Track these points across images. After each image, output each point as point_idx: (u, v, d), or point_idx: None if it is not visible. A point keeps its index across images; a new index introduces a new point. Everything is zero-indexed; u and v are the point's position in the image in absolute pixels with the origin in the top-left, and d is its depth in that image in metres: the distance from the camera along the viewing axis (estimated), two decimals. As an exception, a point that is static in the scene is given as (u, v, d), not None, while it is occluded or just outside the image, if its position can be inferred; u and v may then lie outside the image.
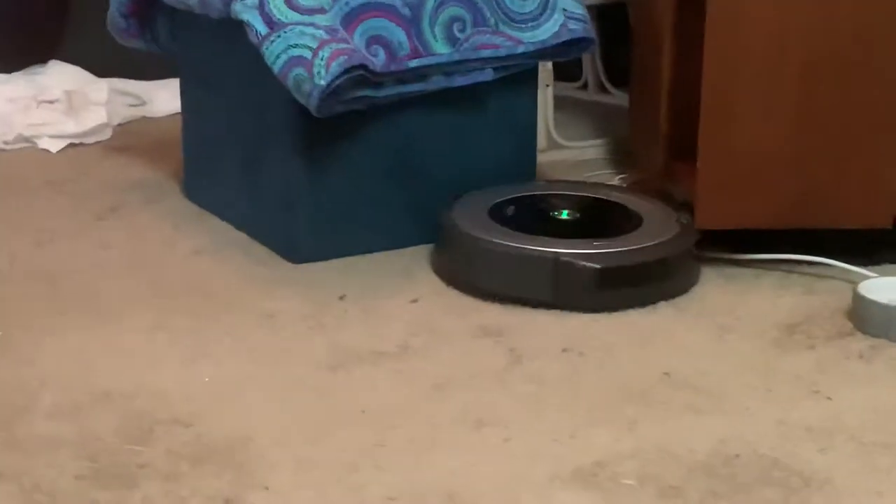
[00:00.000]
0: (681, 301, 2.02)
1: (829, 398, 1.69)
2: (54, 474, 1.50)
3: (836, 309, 1.97)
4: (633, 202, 2.20)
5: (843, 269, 2.08)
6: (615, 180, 2.55)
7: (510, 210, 2.15)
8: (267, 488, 1.47)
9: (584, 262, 1.98)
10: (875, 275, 2.02)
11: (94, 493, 1.45)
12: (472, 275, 2.03)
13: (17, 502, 1.43)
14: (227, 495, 1.45)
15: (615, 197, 2.25)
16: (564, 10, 2.26)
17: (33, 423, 1.63)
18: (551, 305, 1.98)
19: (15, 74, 3.16)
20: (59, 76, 3.15)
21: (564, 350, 1.84)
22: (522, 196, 2.22)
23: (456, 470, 1.51)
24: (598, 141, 2.79)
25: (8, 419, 1.63)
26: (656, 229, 2.08)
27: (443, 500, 1.44)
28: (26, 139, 2.86)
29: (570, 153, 2.72)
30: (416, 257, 2.19)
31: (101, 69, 3.17)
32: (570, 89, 3.12)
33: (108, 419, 1.64)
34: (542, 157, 2.52)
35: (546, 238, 2.05)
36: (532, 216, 2.15)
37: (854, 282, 1.99)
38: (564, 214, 2.18)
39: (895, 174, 2.07)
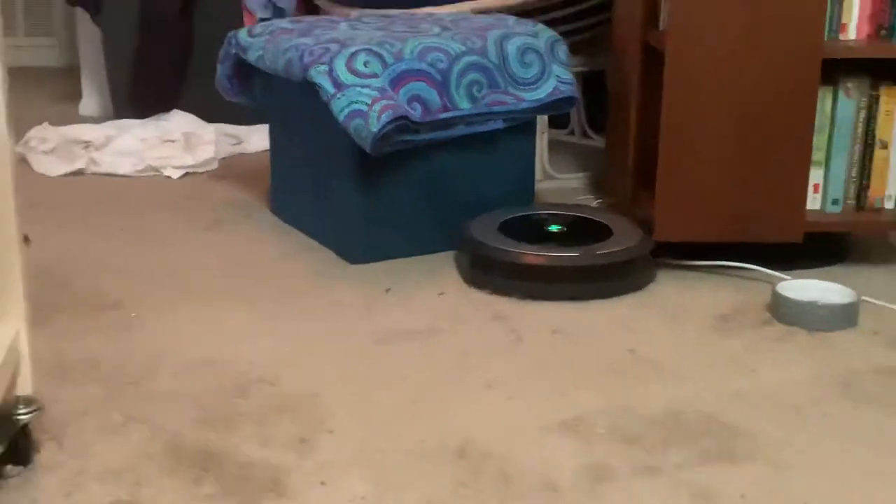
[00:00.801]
0: (642, 295, 2.03)
1: (753, 370, 1.71)
2: (174, 419, 1.52)
3: (759, 303, 1.97)
4: (606, 219, 2.20)
5: (766, 273, 2.09)
6: (594, 203, 2.56)
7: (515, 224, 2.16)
8: (331, 432, 1.49)
9: (568, 263, 2.02)
10: (789, 277, 2.02)
11: (205, 434, 1.48)
12: (485, 273, 2.04)
13: (147, 440, 1.46)
14: (302, 436, 1.48)
15: (592, 215, 2.25)
16: (557, 76, 2.27)
17: (159, 380, 1.66)
18: (544, 297, 1.99)
19: (146, 120, 3.16)
20: (179, 122, 3.15)
21: (554, 332, 1.86)
22: (524, 215, 2.23)
23: (470, 420, 1.54)
24: (582, 174, 2.79)
25: (139, 377, 1.66)
26: (622, 239, 2.09)
27: (460, 443, 1.46)
28: (154, 169, 2.86)
29: (560, 183, 2.72)
30: (442, 261, 2.19)
31: (210, 117, 3.17)
32: (560, 135, 3.11)
33: (214, 379, 1.66)
34: (539, 186, 2.52)
35: (539, 245, 2.08)
36: (530, 229, 2.15)
37: (773, 283, 2.00)
38: (554, 228, 2.18)
39: (803, 201, 2.09)
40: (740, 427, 1.52)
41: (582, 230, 2.16)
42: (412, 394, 1.62)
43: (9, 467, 1.37)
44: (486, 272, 2.04)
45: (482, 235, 2.10)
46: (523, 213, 2.24)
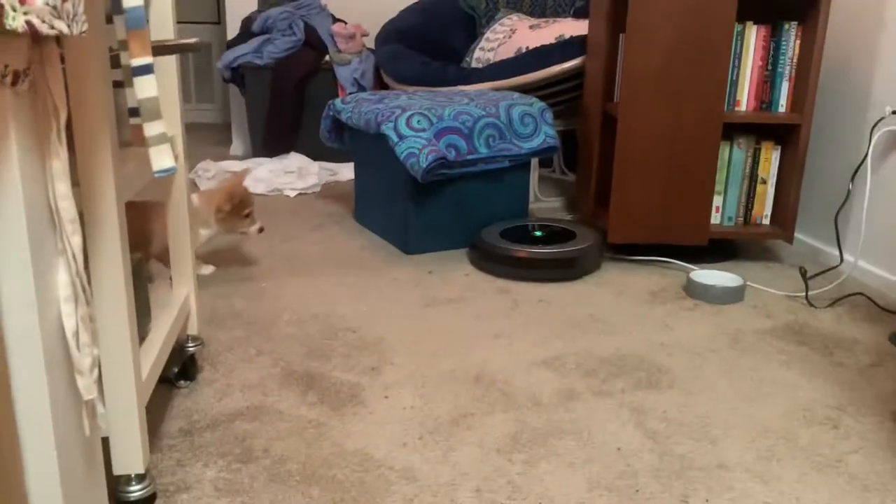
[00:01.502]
0: (598, 278, 2.02)
1: (672, 329, 1.71)
2: (290, 352, 1.54)
3: (677, 285, 1.97)
4: (571, 227, 2.17)
5: (682, 265, 2.08)
6: (567, 217, 2.55)
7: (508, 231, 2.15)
8: (392, 363, 1.51)
9: (546, 256, 2.02)
10: (697, 268, 2.01)
11: (309, 363, 1.49)
12: (492, 263, 2.03)
13: (271, 365, 1.48)
14: (373, 366, 1.49)
15: (562, 225, 2.23)
16: (545, 132, 2.26)
17: (279, 327, 1.67)
18: (532, 279, 1.99)
19: (273, 159, 3.21)
20: (295, 160, 3.19)
21: (540, 301, 1.86)
22: (517, 225, 2.22)
23: (484, 358, 1.54)
24: (560, 198, 2.79)
25: (267, 325, 1.67)
26: (583, 240, 2.07)
27: (477, 372, 1.47)
28: (278, 190, 2.89)
29: (545, 204, 2.72)
30: (465, 254, 2.18)
31: (315, 157, 3.22)
32: (546, 172, 3.12)
33: (316, 327, 1.67)
34: (531, 206, 2.54)
35: (528, 245, 2.07)
36: (522, 234, 2.14)
37: (687, 271, 2.00)
38: (538, 233, 2.17)
39: (708, 217, 2.07)
40: (663, 365, 1.52)
41: (556, 234, 2.15)
42: (446, 339, 1.63)
43: (181, 382, 1.40)
44: (493, 262, 2.04)
45: (490, 238, 2.10)
46: (517, 224, 2.23)
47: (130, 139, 1.05)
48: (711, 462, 1.19)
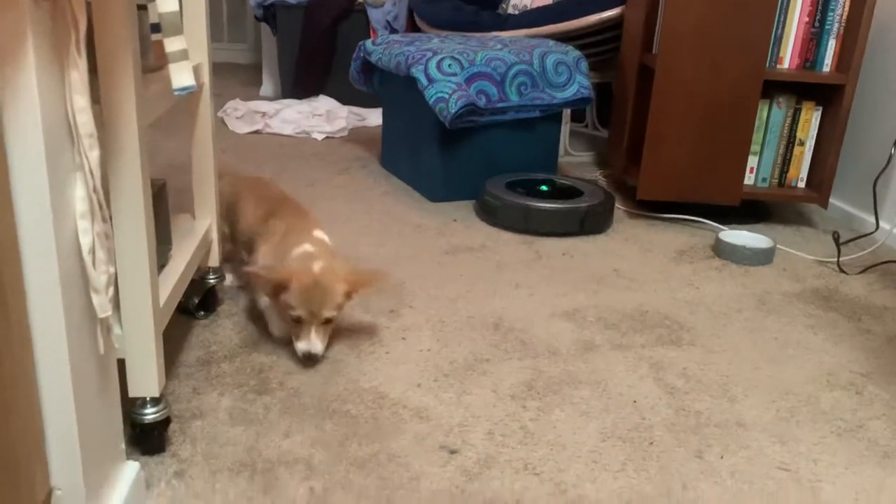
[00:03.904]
0: (622, 234, 1.98)
1: (697, 287, 1.68)
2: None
3: (706, 245, 1.93)
4: (578, 184, 2.11)
5: (712, 224, 2.04)
6: (597, 174, 2.50)
7: (517, 185, 2.06)
8: (411, 307, 1.50)
9: (560, 209, 1.97)
10: (727, 228, 1.97)
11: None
12: (494, 215, 2.01)
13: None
14: (392, 308, 1.49)
15: (566, 181, 2.19)
16: (579, 82, 2.21)
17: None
18: (549, 231, 1.94)
19: (302, 101, 3.19)
20: (324, 103, 3.17)
21: (563, 254, 1.83)
22: (527, 178, 2.13)
23: (503, 306, 1.53)
24: (590, 153, 2.75)
25: None
26: (589, 198, 1.98)
27: (495, 320, 1.46)
28: (306, 132, 2.87)
29: (575, 159, 2.68)
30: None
31: (344, 101, 3.19)
32: (578, 127, 3.06)
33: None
34: (560, 160, 2.49)
35: (529, 197, 1.97)
36: (528, 187, 2.05)
37: (716, 231, 1.95)
38: (544, 188, 2.06)
39: (742, 178, 2.02)
40: (685, 323, 1.50)
41: (560, 191, 2.06)
42: (466, 286, 1.62)
43: (200, 313, 1.40)
44: (492, 213, 1.99)
45: (493, 189, 2.02)
46: (527, 178, 2.14)
47: (154, 64, 1.03)
48: (729, 420, 1.18)
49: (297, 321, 1.22)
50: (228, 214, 1.46)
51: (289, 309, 1.22)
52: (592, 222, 1.97)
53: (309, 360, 1.23)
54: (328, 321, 1.24)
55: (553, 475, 1.02)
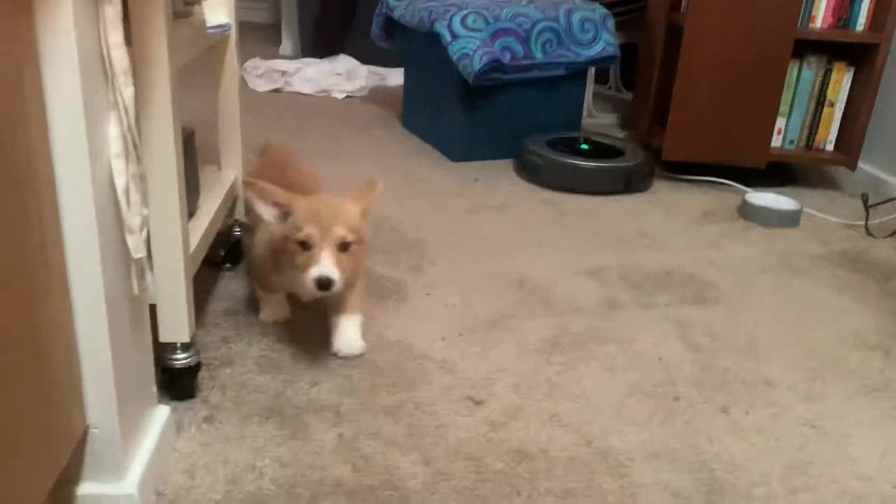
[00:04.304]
0: (649, 196, 1.97)
1: (722, 248, 1.66)
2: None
3: (732, 206, 1.91)
4: (617, 144, 2.11)
5: (738, 186, 2.02)
6: (621, 135, 2.47)
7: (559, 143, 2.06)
8: (434, 263, 1.50)
9: (589, 167, 1.96)
10: (753, 190, 1.94)
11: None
12: (537, 172, 2.00)
13: None
14: (415, 264, 1.49)
15: (606, 140, 2.15)
16: (605, 40, 2.17)
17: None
18: (577, 191, 1.94)
19: (322, 60, 3.15)
20: (344, 61, 3.13)
21: (587, 214, 1.82)
22: (566, 137, 2.13)
23: (526, 264, 1.53)
24: (614, 115, 2.71)
25: None
26: (629, 157, 1.99)
27: (519, 277, 1.46)
28: (326, 91, 2.85)
29: (598, 120, 2.64)
30: (511, 163, 2.13)
31: (364, 59, 3.16)
32: (602, 88, 3.02)
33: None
34: (584, 121, 2.46)
35: (573, 155, 1.98)
36: (569, 146, 2.05)
37: (742, 193, 1.92)
38: (584, 146, 2.08)
39: (769, 139, 1.99)
40: (710, 283, 1.49)
41: (601, 149, 2.06)
42: (489, 245, 1.61)
43: (227, 265, 1.41)
44: (537, 171, 1.98)
45: (534, 146, 2.02)
46: (565, 136, 2.14)
47: (183, 10, 1.02)
48: (755, 378, 1.17)
49: (306, 246, 1.03)
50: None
51: (296, 232, 1.03)
52: (636, 181, 1.97)
53: (323, 288, 1.01)
54: (343, 246, 1.04)
55: (579, 427, 1.03)
